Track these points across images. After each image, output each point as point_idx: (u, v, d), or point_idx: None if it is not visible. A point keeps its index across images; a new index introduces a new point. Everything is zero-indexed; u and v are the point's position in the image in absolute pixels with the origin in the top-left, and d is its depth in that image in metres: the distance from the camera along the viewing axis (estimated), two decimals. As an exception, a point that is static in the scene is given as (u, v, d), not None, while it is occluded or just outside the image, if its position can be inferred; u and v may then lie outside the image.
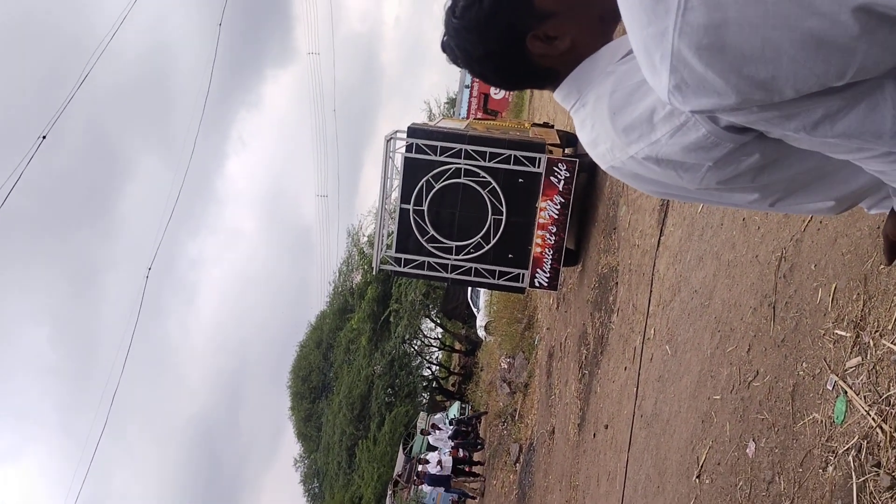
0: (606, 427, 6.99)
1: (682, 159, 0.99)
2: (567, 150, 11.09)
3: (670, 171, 1.03)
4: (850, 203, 1.13)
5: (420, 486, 17.68)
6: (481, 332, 20.74)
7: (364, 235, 36.12)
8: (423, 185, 9.81)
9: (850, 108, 0.83)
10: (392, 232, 10.31)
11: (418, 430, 23.23)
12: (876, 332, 2.86)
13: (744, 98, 0.81)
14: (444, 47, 1.17)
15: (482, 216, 9.84)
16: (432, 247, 10.05)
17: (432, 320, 33.02)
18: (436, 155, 9.74)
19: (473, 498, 16.96)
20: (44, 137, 10.98)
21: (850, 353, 2.99)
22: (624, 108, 1.02)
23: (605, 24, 1.10)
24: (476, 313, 21.88)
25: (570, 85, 1.13)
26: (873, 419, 2.72)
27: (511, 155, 9.65)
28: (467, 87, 33.14)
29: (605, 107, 1.05)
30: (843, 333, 3.08)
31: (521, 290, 11.01)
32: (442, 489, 16.77)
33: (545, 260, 9.96)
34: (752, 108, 0.83)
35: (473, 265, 10.07)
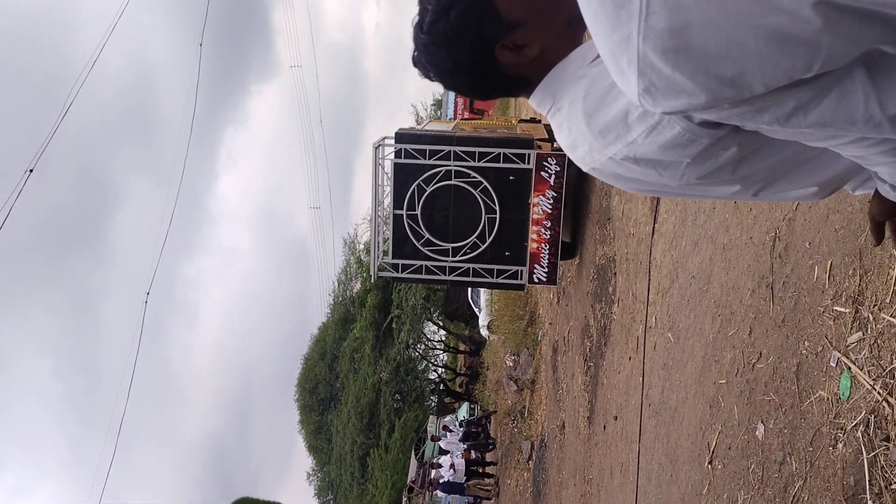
0: (616, 418, 6.98)
1: (661, 157, 0.99)
2: (555, 145, 11.10)
3: (650, 169, 1.02)
4: (834, 187, 1.12)
5: (434, 492, 17.65)
6: (484, 332, 20.74)
7: (360, 244, 36.13)
8: (414, 190, 9.81)
9: (821, 97, 0.83)
10: (387, 238, 10.30)
11: (429, 436, 23.21)
12: (874, 306, 2.86)
13: (714, 97, 0.81)
14: (415, 63, 1.17)
15: (476, 216, 9.84)
16: (429, 250, 10.05)
17: (434, 323, 33.00)
18: (425, 158, 9.74)
19: (489, 500, 16.94)
20: (31, 171, 10.99)
21: (851, 328, 2.99)
22: (598, 111, 1.02)
23: (573, 28, 1.09)
24: (478, 313, 21.87)
25: (543, 91, 1.13)
26: (879, 393, 2.72)
27: (500, 153, 9.65)
28: (452, 88, 33.07)
29: (579, 110, 1.05)
30: (843, 309, 3.08)
31: (521, 287, 11.00)
32: (457, 495, 16.75)
33: (542, 255, 9.95)
34: (723, 105, 0.82)
35: (471, 265, 10.06)
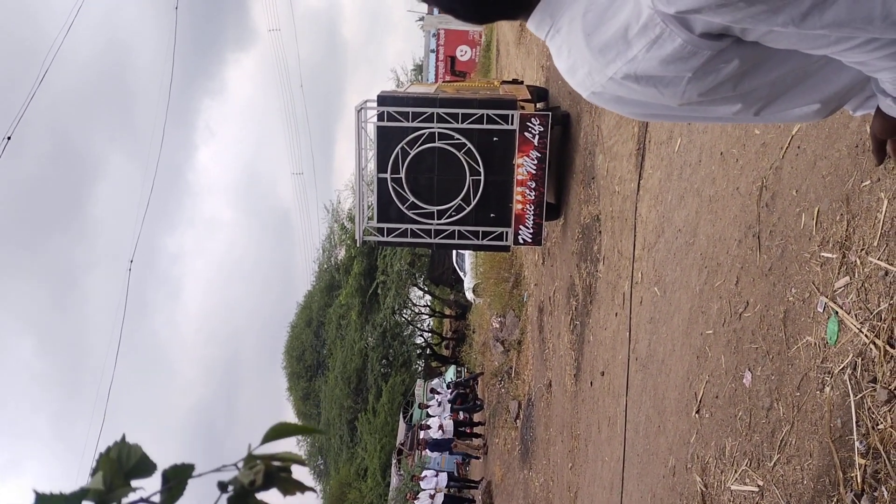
0: (602, 374, 7.06)
1: (662, 73, 0.96)
2: (539, 105, 11.01)
3: (651, 87, 1.00)
4: (836, 105, 1.11)
5: (424, 452, 17.86)
6: (470, 295, 20.82)
7: (343, 211, 35.95)
8: (398, 153, 9.72)
9: None
10: (372, 203, 10.24)
11: (416, 402, 23.39)
12: (862, 250, 2.88)
13: None
14: None
15: (460, 178, 9.79)
16: (414, 213, 10.00)
17: (420, 288, 33.09)
18: (408, 121, 9.64)
19: (478, 458, 17.18)
20: (8, 138, 10.75)
21: (838, 273, 3.01)
22: (598, 28, 0.99)
23: None
24: (463, 277, 21.94)
25: (542, 11, 1.10)
26: (866, 336, 2.75)
27: (483, 114, 9.57)
28: (433, 51, 32.78)
29: (578, 29, 1.02)
30: (830, 255, 3.10)
31: (506, 249, 11.01)
32: (446, 453, 16.96)
33: (527, 216, 9.95)
34: (738, 3, 0.80)
35: (456, 228, 10.04)
